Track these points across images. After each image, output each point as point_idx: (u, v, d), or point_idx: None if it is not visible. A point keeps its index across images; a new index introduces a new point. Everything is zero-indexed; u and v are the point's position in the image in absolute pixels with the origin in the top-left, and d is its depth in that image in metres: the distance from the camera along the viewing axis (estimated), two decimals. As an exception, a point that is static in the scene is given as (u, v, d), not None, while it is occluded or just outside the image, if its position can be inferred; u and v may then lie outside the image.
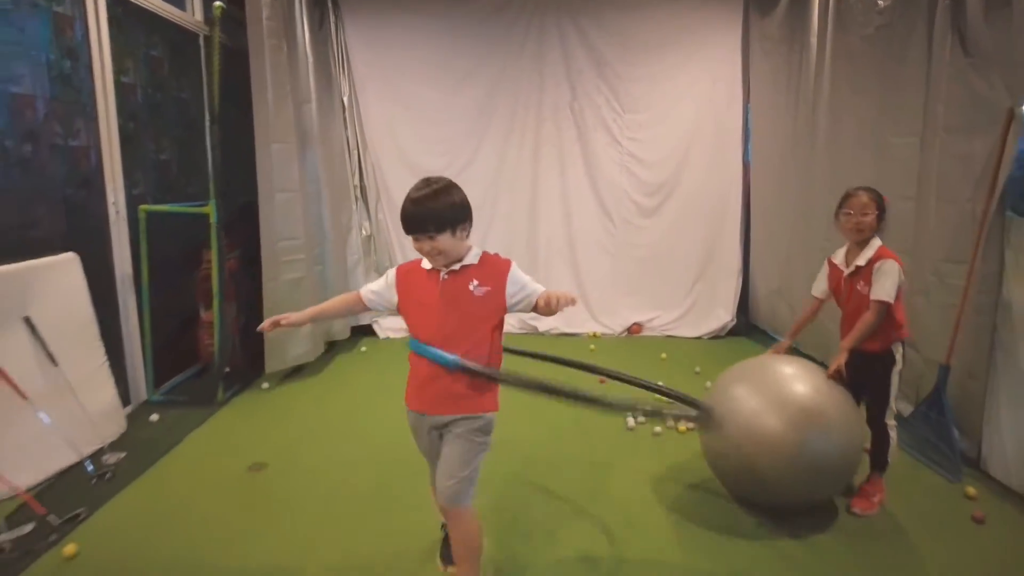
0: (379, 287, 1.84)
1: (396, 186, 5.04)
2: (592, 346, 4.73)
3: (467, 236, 1.73)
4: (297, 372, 4.05)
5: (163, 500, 2.53)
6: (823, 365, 2.41)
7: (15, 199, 2.72)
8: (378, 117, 5.02)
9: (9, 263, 2.59)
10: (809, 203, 4.07)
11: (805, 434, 2.15)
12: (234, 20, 3.75)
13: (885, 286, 2.25)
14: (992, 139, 2.64)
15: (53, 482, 2.61)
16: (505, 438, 2.98)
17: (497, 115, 5.06)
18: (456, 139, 5.08)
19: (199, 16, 4.06)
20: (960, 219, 2.82)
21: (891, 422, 2.40)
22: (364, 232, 5.07)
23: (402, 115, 5.02)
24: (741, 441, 2.22)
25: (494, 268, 1.74)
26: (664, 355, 4.47)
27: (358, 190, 5.03)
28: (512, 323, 4.94)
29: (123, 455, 2.85)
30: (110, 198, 3.28)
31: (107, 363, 3.05)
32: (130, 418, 3.24)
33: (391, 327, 4.99)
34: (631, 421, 3.25)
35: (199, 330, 3.92)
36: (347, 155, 4.91)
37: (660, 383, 3.84)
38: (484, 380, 1.71)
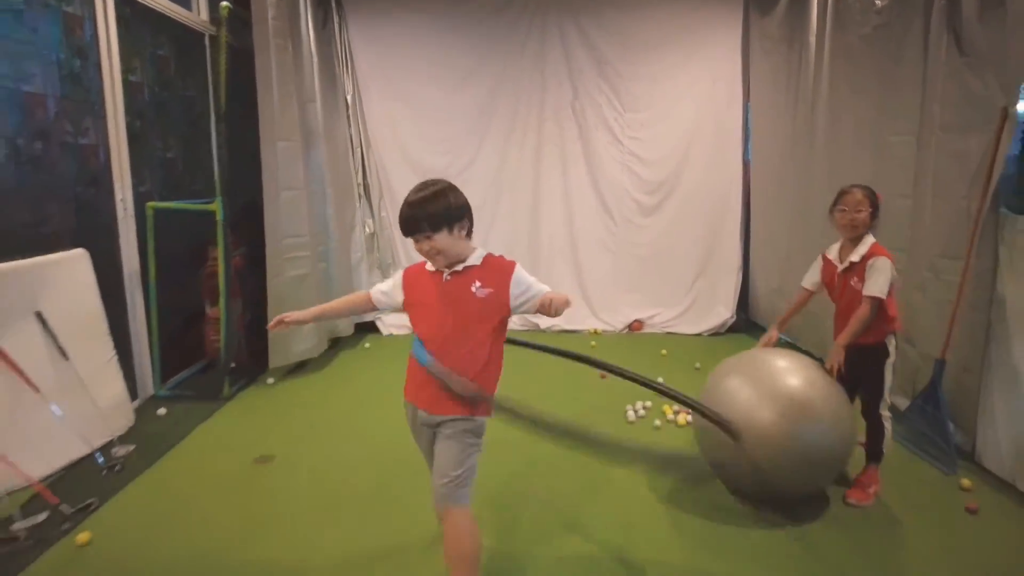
0: (387, 287, 1.87)
1: (399, 184, 5.08)
2: (593, 343, 4.78)
3: (466, 235, 1.73)
4: (302, 368, 4.10)
5: (171, 492, 2.58)
6: (820, 360, 2.46)
7: (27, 196, 2.77)
8: (381, 116, 5.07)
9: (21, 259, 2.64)
10: (808, 201, 4.11)
11: (797, 425, 2.20)
12: (239, 20, 3.80)
13: (878, 282, 2.30)
14: (987, 137, 2.69)
15: (65, 473, 2.66)
16: (506, 434, 3.03)
17: (499, 114, 5.11)
18: (458, 138, 5.13)
19: (204, 16, 4.12)
20: (956, 216, 2.86)
21: (885, 413, 2.45)
22: (367, 230, 5.12)
23: (405, 114, 5.07)
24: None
25: (497, 269, 1.73)
26: (664, 351, 4.52)
27: (361, 188, 5.08)
28: (514, 320, 4.97)
29: (132, 448, 2.91)
30: (118, 195, 3.33)
31: (116, 358, 3.10)
32: (138, 412, 3.29)
33: (394, 324, 5.04)
34: (631, 415, 3.30)
35: (205, 326, 3.97)
36: (351, 153, 4.96)
37: (660, 379, 3.89)
38: (467, 397, 1.69)
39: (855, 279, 2.39)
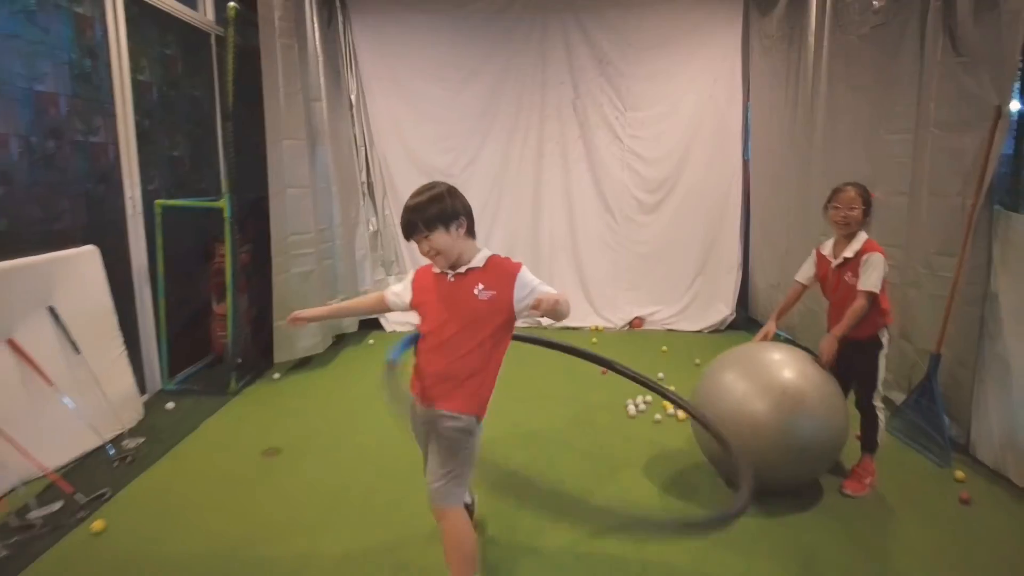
0: (400, 288, 1.90)
1: (402, 183, 5.14)
2: (594, 339, 4.83)
3: (464, 233, 1.73)
4: (307, 363, 4.16)
5: (182, 483, 2.64)
6: (814, 354, 2.51)
7: (40, 193, 2.83)
8: (384, 115, 5.12)
9: (35, 255, 2.70)
10: (807, 199, 4.16)
11: (790, 416, 2.25)
12: (246, 20, 3.85)
13: (872, 278, 2.36)
14: (981, 135, 2.73)
15: (77, 464, 2.73)
16: (508, 429, 3.10)
17: (501, 113, 5.17)
18: (461, 136, 5.18)
19: (210, 16, 4.17)
20: (951, 213, 2.91)
21: (879, 404, 2.51)
22: (371, 228, 5.17)
23: (408, 113, 5.13)
24: (730, 424, 2.33)
25: (501, 271, 1.73)
26: (665, 348, 4.57)
27: (365, 186, 5.13)
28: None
29: (142, 440, 2.97)
30: (127, 193, 3.39)
31: (125, 352, 3.15)
32: (147, 406, 3.35)
33: (398, 320, 5.09)
34: (632, 409, 3.35)
35: (212, 322, 4.03)
36: (355, 152, 5.02)
37: (660, 375, 3.93)
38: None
39: (849, 274, 2.45)
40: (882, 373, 2.47)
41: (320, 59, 4.38)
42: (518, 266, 1.75)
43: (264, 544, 2.22)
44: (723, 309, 5.13)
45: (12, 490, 2.38)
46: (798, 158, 4.34)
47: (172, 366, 3.69)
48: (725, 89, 5.07)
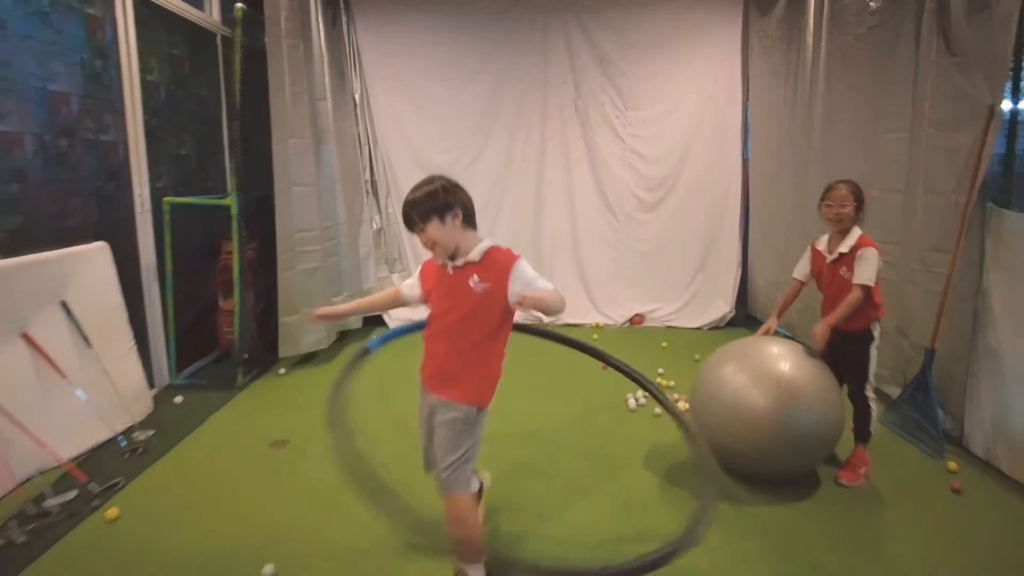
0: (411, 281, 1.95)
1: (405, 181, 5.18)
2: (595, 336, 4.89)
3: (461, 224, 1.74)
4: (312, 359, 4.21)
5: (192, 473, 2.70)
6: (807, 346, 2.57)
7: (53, 191, 2.89)
8: (388, 114, 5.18)
9: (48, 251, 2.76)
10: (805, 197, 4.21)
11: (787, 408, 2.32)
12: (252, 20, 3.90)
13: (867, 271, 2.42)
14: (974, 134, 2.79)
15: (90, 455, 2.79)
16: (511, 422, 3.15)
17: (503, 112, 5.22)
18: (463, 135, 5.24)
19: (217, 16, 4.23)
20: (945, 210, 2.97)
21: (871, 395, 2.58)
22: (374, 225, 5.23)
23: (411, 112, 5.18)
24: (729, 416, 2.39)
25: (496, 264, 1.74)
26: (665, 344, 4.63)
27: (369, 184, 5.19)
28: (518, 314, 5.09)
29: (152, 432, 3.03)
30: (136, 191, 3.45)
31: (135, 347, 3.22)
32: (155, 399, 3.41)
33: (399, 317, 5.14)
34: (632, 403, 3.41)
35: (219, 317, 4.09)
36: (359, 151, 5.07)
37: (660, 370, 3.98)
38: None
39: (843, 269, 2.51)
40: (874, 365, 2.54)
41: (325, 59, 4.44)
42: (515, 258, 1.75)
43: (272, 531, 2.27)
44: (722, 306, 5.19)
45: (29, 479, 2.45)
46: (797, 157, 4.40)
47: (180, 361, 3.75)
48: (725, 89, 5.13)
